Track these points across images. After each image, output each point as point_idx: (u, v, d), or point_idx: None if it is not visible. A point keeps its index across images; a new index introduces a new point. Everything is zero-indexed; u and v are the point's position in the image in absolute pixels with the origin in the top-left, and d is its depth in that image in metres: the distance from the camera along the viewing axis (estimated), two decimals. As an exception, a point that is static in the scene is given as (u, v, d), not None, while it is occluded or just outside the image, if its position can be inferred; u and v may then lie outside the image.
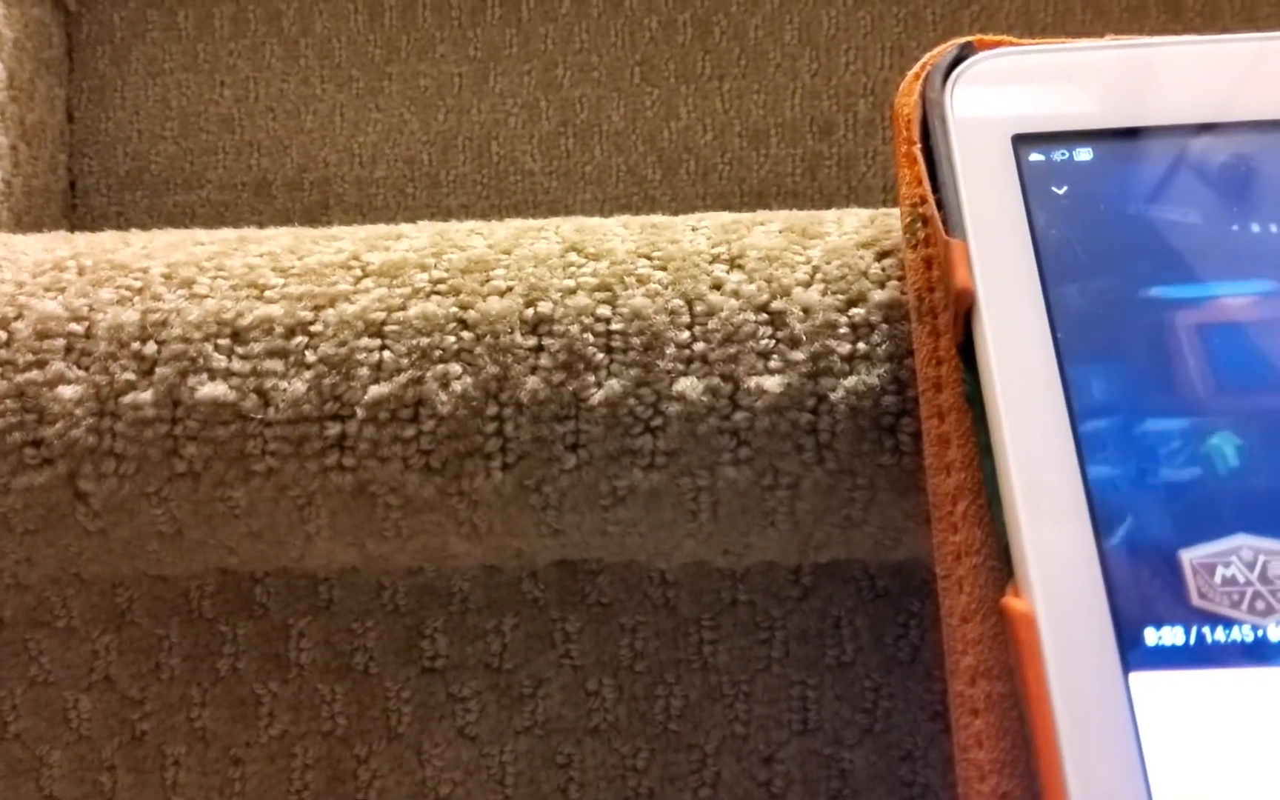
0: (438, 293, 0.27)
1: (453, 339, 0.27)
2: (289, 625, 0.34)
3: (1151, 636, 0.20)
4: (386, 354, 0.27)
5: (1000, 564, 0.22)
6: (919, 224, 0.25)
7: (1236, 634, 0.20)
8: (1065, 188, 0.24)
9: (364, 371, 0.27)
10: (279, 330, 0.27)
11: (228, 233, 0.31)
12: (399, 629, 0.34)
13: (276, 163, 0.58)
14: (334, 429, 0.27)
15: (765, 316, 0.27)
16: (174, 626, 0.34)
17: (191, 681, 0.34)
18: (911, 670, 0.34)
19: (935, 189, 0.24)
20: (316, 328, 0.27)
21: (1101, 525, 0.20)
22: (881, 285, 0.27)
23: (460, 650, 0.34)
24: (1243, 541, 0.20)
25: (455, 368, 0.27)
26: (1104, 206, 0.24)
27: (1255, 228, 0.23)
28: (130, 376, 0.27)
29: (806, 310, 0.27)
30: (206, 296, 0.28)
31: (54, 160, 0.57)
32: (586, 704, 0.35)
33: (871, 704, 0.34)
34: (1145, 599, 0.20)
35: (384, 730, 0.35)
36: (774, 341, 0.27)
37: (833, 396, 0.26)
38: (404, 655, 0.34)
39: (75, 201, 0.60)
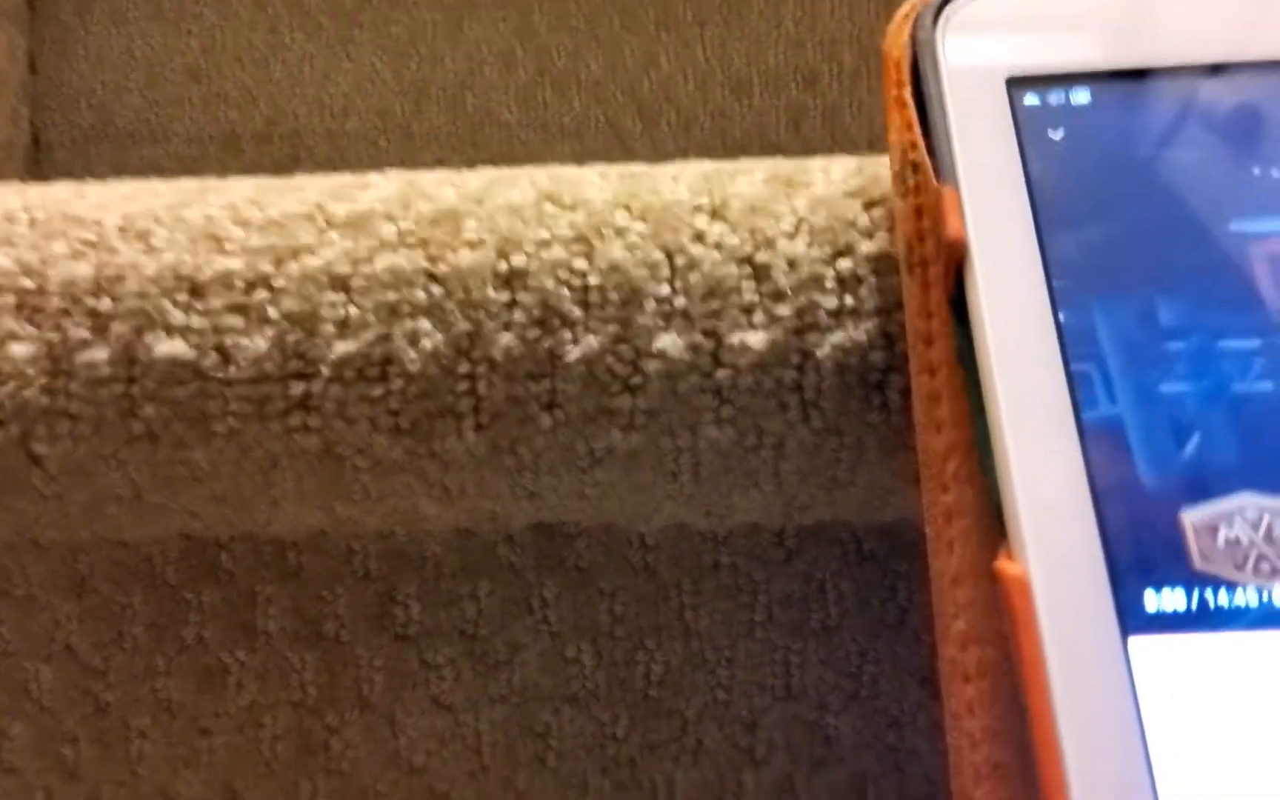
0: (406, 245, 0.26)
1: (422, 294, 0.26)
2: (256, 592, 0.33)
3: (1151, 600, 0.19)
4: (352, 310, 0.26)
5: (993, 525, 0.21)
6: (909, 171, 0.24)
7: (1240, 597, 0.19)
8: (1062, 132, 0.23)
9: (329, 328, 0.26)
10: (239, 285, 0.26)
11: (187, 183, 0.30)
12: (370, 595, 0.33)
13: (245, 115, 0.56)
14: (298, 388, 0.26)
15: (749, 269, 0.26)
16: (136, 594, 0.33)
17: (156, 650, 0.33)
18: (899, 634, 0.33)
19: (926, 135, 0.23)
20: (279, 282, 0.26)
21: (1099, 485, 0.20)
22: (870, 236, 0.26)
23: (434, 616, 0.33)
24: (1247, 500, 0.20)
25: (425, 324, 0.26)
26: (1103, 152, 0.23)
27: (1257, 171, 0.22)
28: (84, 334, 0.26)
29: (792, 263, 0.26)
30: (163, 250, 0.27)
31: (16, 113, 0.56)
32: (564, 671, 0.34)
33: (857, 668, 0.34)
34: (1144, 561, 0.19)
35: (356, 699, 0.34)
36: (758, 296, 0.26)
37: (819, 353, 0.25)
38: (376, 622, 0.33)
39: (39, 157, 0.58)
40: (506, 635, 0.34)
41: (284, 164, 0.54)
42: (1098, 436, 0.20)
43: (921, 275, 0.23)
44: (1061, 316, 0.21)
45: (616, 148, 0.53)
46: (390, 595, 0.33)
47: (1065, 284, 0.21)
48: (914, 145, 0.23)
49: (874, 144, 0.56)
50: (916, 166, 0.24)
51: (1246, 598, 0.19)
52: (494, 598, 0.33)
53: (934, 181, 0.22)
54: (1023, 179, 0.22)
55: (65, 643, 0.33)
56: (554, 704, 0.34)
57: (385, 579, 0.33)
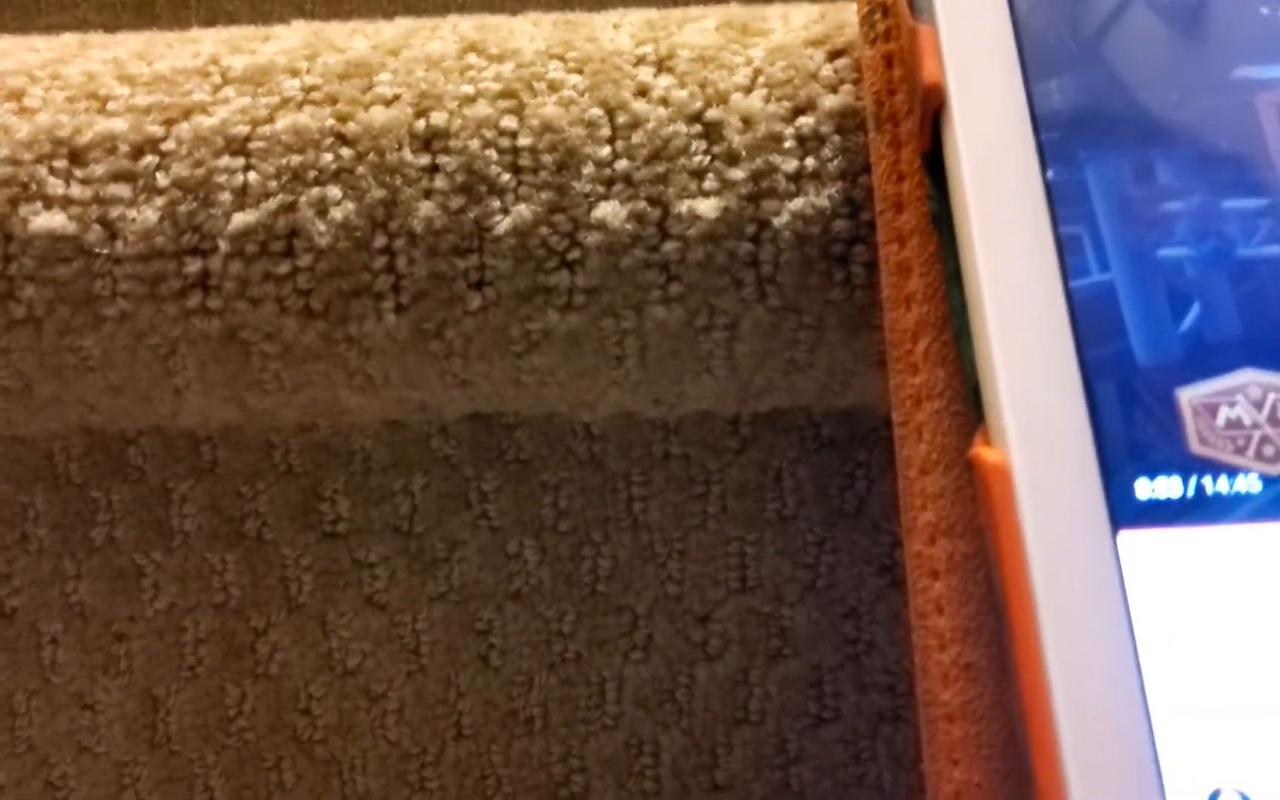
0: (311, 102, 0.23)
1: (330, 157, 0.23)
2: (169, 489, 0.30)
3: (1144, 488, 0.17)
4: (252, 175, 0.23)
5: (968, 408, 0.19)
6: (878, 15, 0.21)
7: (1241, 484, 0.17)
8: (1050, -33, 0.20)
9: (226, 197, 0.23)
10: (124, 149, 0.23)
11: (68, 37, 0.26)
12: (294, 492, 0.31)
13: (158, -26, 0.52)
14: (194, 265, 0.23)
15: (698, 128, 0.23)
16: (39, 493, 0.30)
17: (63, 553, 0.31)
18: (857, 523, 0.32)
19: (897, -29, 0.20)
20: (168, 145, 0.23)
21: (1088, 361, 0.17)
22: (834, 90, 0.23)
23: (364, 513, 0.31)
24: (1250, 377, 0.18)
25: (334, 191, 0.23)
26: (1095, -11, 0.20)
27: (1265, 11, 0.20)
28: (-49, 207, 0.23)
29: (746, 120, 0.23)
30: (38, 111, 0.24)
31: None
32: (506, 567, 0.32)
33: (814, 559, 0.32)
34: (1137, 445, 0.17)
35: (283, 600, 0.31)
36: (709, 158, 0.23)
37: (776, 222, 0.23)
38: (301, 520, 0.31)
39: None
40: (443, 531, 0.31)
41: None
42: (1088, 307, 0.18)
43: (892, 132, 0.21)
44: (1050, 173, 0.18)
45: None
46: (316, 491, 0.31)
47: (1054, 137, 0.19)
48: (883, -17, 0.21)
49: None
50: (887, 9, 0.21)
51: (1248, 484, 0.17)
52: (429, 492, 0.31)
53: (909, 19, 0.20)
54: (1008, 18, 0.20)
55: (-39, 547, 0.31)
56: (496, 601, 0.32)
57: (310, 474, 0.31)
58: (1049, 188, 0.18)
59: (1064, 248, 0.18)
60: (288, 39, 0.25)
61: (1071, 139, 0.19)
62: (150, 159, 0.23)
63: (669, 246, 0.23)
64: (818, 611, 0.32)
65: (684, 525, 0.32)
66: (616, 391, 0.26)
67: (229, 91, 0.24)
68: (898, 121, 0.21)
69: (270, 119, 0.23)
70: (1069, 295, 0.18)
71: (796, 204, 0.23)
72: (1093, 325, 0.18)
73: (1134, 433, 0.17)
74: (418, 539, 0.31)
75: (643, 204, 0.23)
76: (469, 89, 0.23)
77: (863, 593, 0.32)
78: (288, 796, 0.33)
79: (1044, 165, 0.18)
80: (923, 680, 0.19)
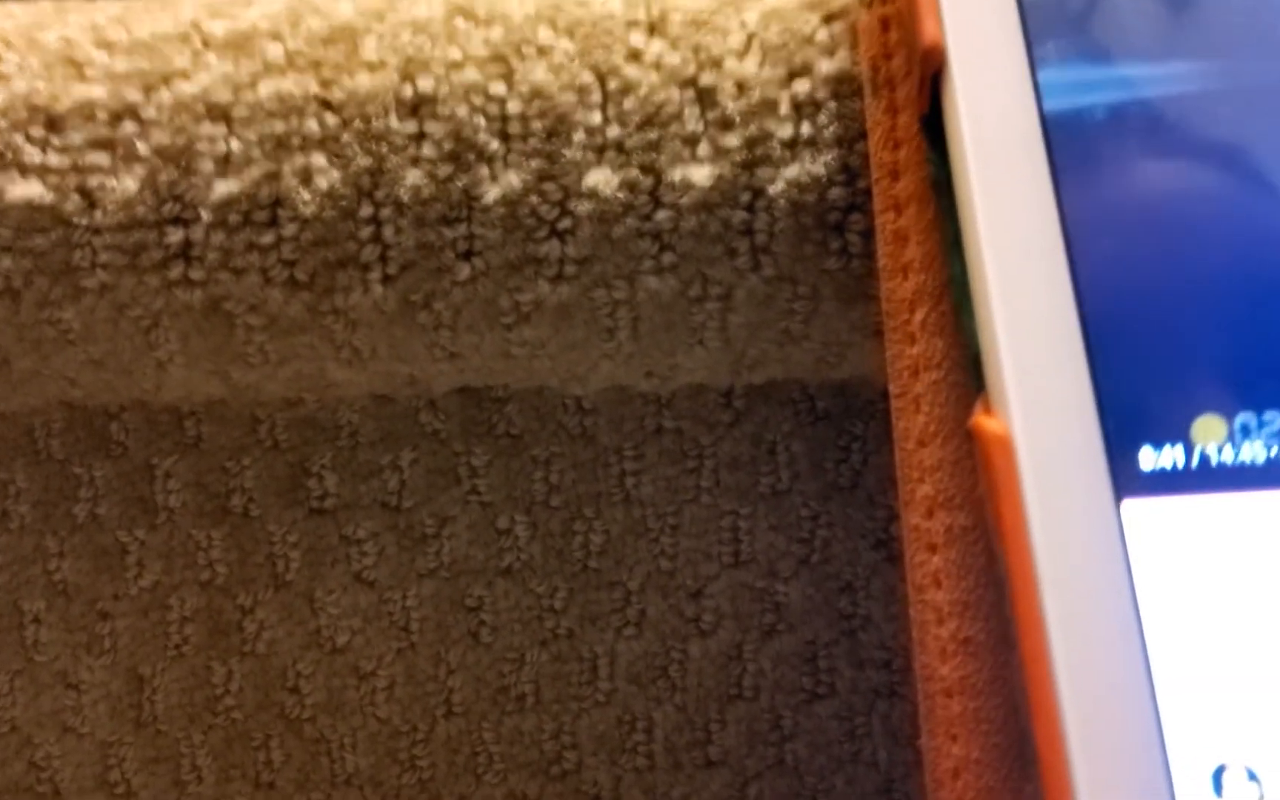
0: (295, 68, 0.23)
1: (314, 124, 0.22)
2: (153, 465, 0.30)
3: (1148, 457, 0.17)
4: (234, 143, 0.22)
5: (967, 379, 0.19)
6: (874, -24, 0.21)
7: (1247, 453, 0.17)
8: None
9: (208, 165, 0.22)
10: (103, 116, 0.23)
11: (45, 3, 0.26)
12: (280, 467, 0.30)
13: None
14: (176, 235, 0.23)
15: (692, 94, 0.23)
16: (19, 469, 0.30)
17: (45, 530, 0.30)
18: (852, 497, 0.31)
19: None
20: (148, 113, 0.23)
21: (1092, 329, 0.17)
22: (830, 54, 0.23)
23: (352, 489, 0.31)
24: (1256, 346, 0.17)
25: (319, 159, 0.22)
26: (1098, -53, 0.19)
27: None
28: (-75, 176, 0.23)
29: (741, 86, 0.23)
30: (14, 77, 0.23)
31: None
32: (497, 543, 0.31)
33: (809, 533, 0.32)
34: (1141, 413, 0.17)
35: (270, 577, 0.31)
36: (702, 124, 0.23)
37: (771, 190, 0.23)
38: (288, 496, 0.30)
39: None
40: (433, 507, 0.31)
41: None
42: (1092, 274, 0.17)
43: (888, 97, 0.20)
44: (1052, 135, 0.18)
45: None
46: (303, 467, 0.30)
47: (1057, 98, 0.18)
48: (880, -57, 0.20)
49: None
50: (883, -31, 0.21)
51: (1254, 453, 0.17)
52: (417, 467, 0.31)
53: (906, -21, 0.19)
54: (1008, -24, 0.19)
55: (-58, 525, 0.30)
56: (486, 577, 0.32)
57: (296, 450, 0.30)
58: (1051, 150, 0.18)
59: (1067, 213, 0.17)
60: (270, 4, 0.24)
61: (1075, 100, 0.18)
62: (130, 126, 0.23)
63: (662, 215, 0.23)
64: (812, 586, 0.32)
65: (677, 500, 0.31)
66: (608, 364, 0.26)
67: (210, 57, 0.23)
68: (894, 86, 0.20)
69: (253, 85, 0.23)
70: (1072, 261, 0.17)
71: (792, 171, 0.23)
72: (1096, 292, 0.17)
73: (1138, 401, 0.17)
74: (406, 515, 0.31)
75: (635, 172, 0.23)
76: (457, 54, 0.23)
77: (858, 567, 0.32)
78: (276, 776, 0.32)
79: (1046, 127, 0.18)
80: (920, 655, 0.19)
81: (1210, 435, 0.17)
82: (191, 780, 0.32)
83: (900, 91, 0.20)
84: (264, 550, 0.31)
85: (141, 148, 0.23)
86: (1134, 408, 0.17)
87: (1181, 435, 0.17)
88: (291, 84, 0.23)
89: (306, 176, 0.22)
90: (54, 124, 0.23)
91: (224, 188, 0.22)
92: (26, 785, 0.31)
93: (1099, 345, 0.17)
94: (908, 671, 0.32)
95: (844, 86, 0.23)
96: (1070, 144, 0.18)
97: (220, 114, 0.23)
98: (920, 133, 0.19)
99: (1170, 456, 0.17)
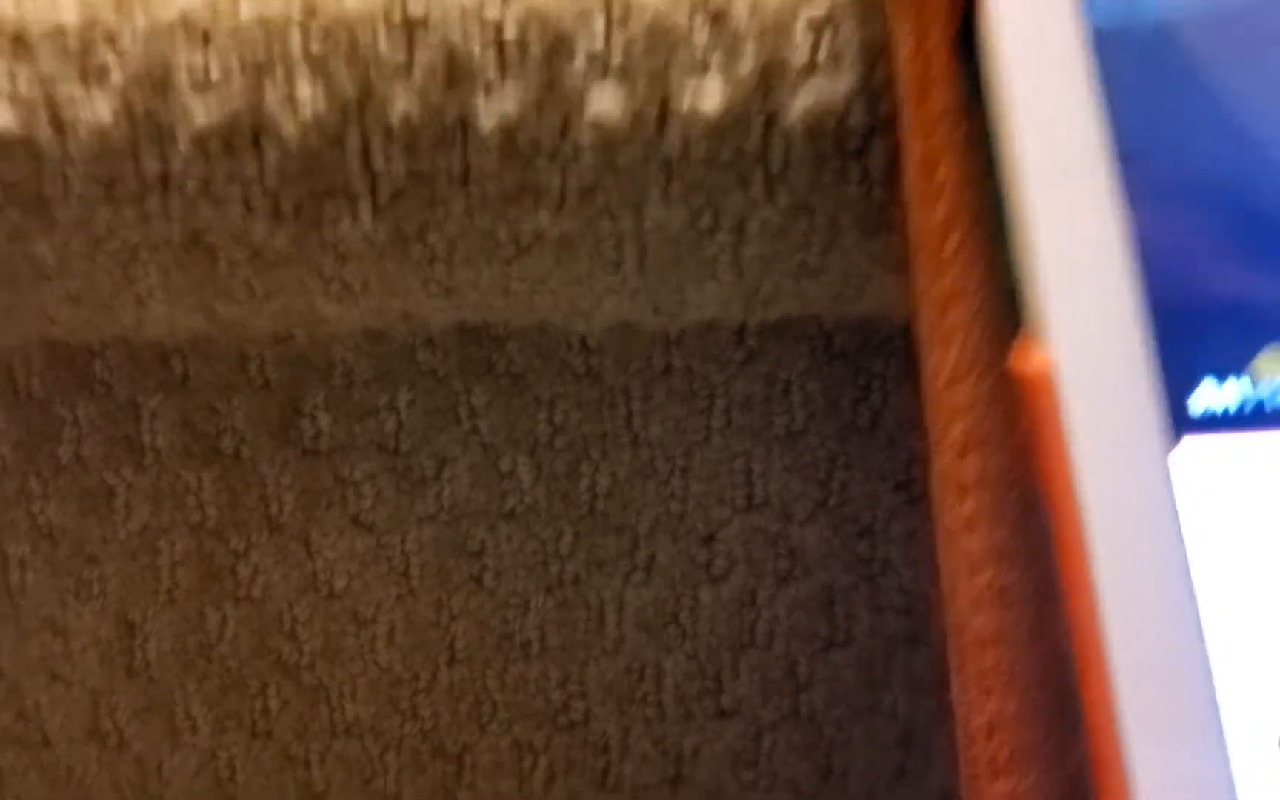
0: (276, -17, 0.21)
1: (298, 46, 0.21)
2: (138, 404, 0.29)
3: (1207, 393, 0.16)
4: (214, 68, 0.21)
5: (1004, 311, 0.18)
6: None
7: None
8: None
9: (186, 90, 0.21)
10: (74, 42, 0.22)
11: (12, -84, 0.24)
12: (272, 406, 0.29)
13: None
14: (153, 165, 0.22)
15: (702, 15, 0.22)
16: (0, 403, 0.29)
17: (29, 471, 0.29)
18: (871, 437, 0.30)
19: None
20: (123, 36, 0.21)
21: (1143, 256, 0.16)
22: (850, -34, 0.21)
23: (347, 429, 0.29)
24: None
25: (303, 84, 0.21)
26: None
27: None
28: (-113, 103, 0.21)
29: (753, 5, 0.22)
30: (-22, -5, 0.22)
31: None
32: (499, 485, 0.30)
33: (826, 475, 0.31)
34: (1200, 346, 0.16)
35: (263, 520, 0.30)
36: (713, 46, 0.21)
37: (786, 115, 0.21)
38: (280, 436, 0.29)
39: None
40: (432, 449, 0.30)
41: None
42: (1143, 194, 0.16)
43: (916, 13, 0.19)
44: (1097, 48, 0.17)
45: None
46: (295, 406, 0.29)
47: (1100, 7, 0.17)
48: None
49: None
50: None
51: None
52: (415, 408, 0.29)
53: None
54: None
55: (-77, 467, 0.29)
56: (489, 521, 0.31)
57: (288, 389, 0.29)
58: (1098, 67, 0.16)
59: (1114, 129, 0.16)
60: (250, -87, 0.22)
61: (1122, 13, 0.17)
62: (104, 51, 0.21)
63: (669, 142, 0.22)
64: (829, 530, 0.31)
65: (687, 441, 0.30)
66: (614, 299, 0.24)
67: (185, -28, 0.22)
68: (922, 0, 0.19)
69: (233, 6, 0.21)
70: (1121, 184, 0.16)
71: (809, 95, 0.21)
72: (1148, 216, 0.16)
73: (1196, 332, 0.16)
74: (404, 457, 0.30)
75: (641, 96, 0.22)
76: (449, -33, 0.21)
77: (877, 510, 0.31)
78: (273, 724, 0.32)
79: (1091, 42, 0.17)
80: (952, 605, 0.18)
81: (1276, 369, 0.16)
82: (186, 729, 0.31)
83: (929, 5, 0.19)
84: (256, 493, 0.30)
85: (116, 74, 0.21)
86: (1192, 340, 0.16)
87: (1244, 368, 0.16)
88: (274, 4, 0.21)
89: (290, 102, 0.21)
90: (23, 49, 0.22)
91: (203, 114, 0.21)
92: (16, 734, 0.31)
93: (1152, 273, 0.16)
94: (929, 618, 0.31)
95: (865, 4, 0.21)
96: (1118, 60, 0.17)
97: (198, 36, 0.21)
98: (951, 50, 0.18)
99: (1232, 391, 0.16)
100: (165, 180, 0.22)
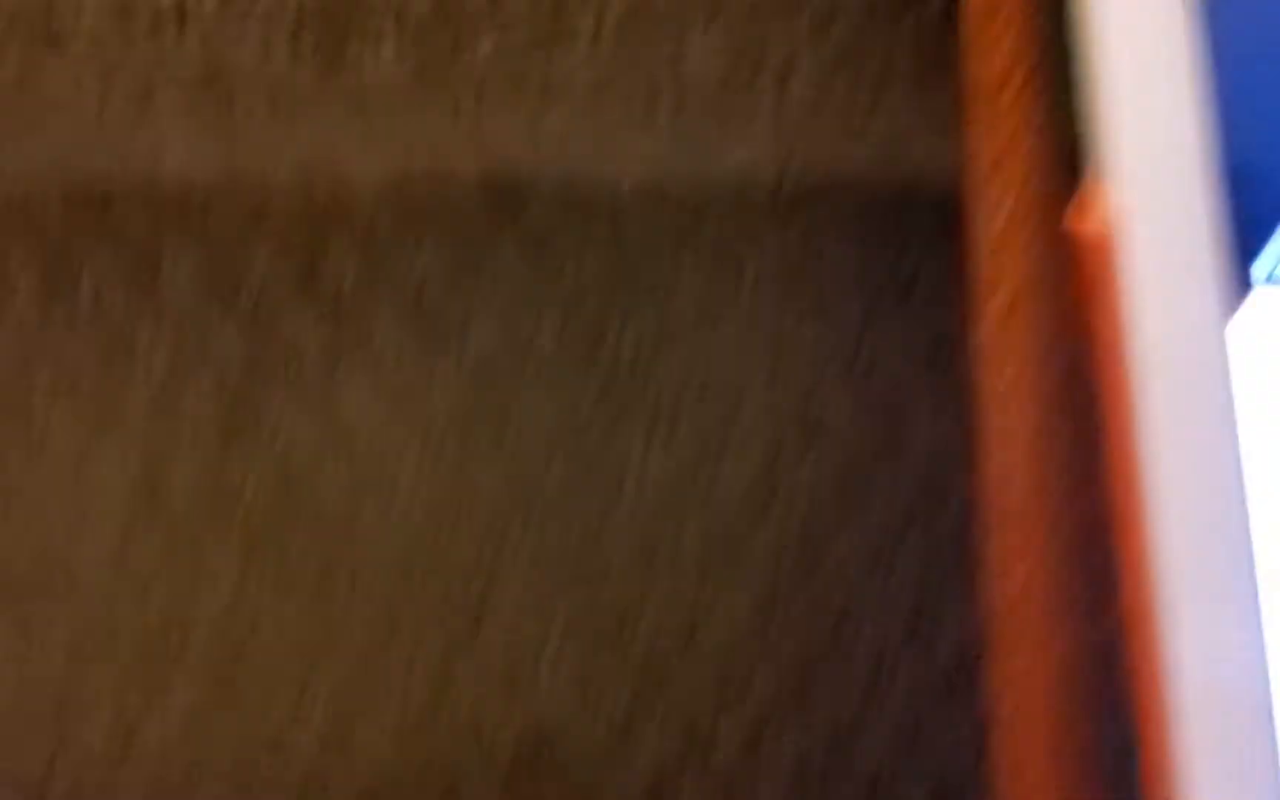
0: None
1: None
2: (157, 252, 0.28)
3: (1270, 260, 0.15)
4: (231, -112, 0.20)
5: (1061, 171, 0.17)
6: None
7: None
8: None
9: (201, -87, 0.20)
10: None
11: None
12: (293, 258, 0.28)
13: None
14: (167, -6, 0.20)
15: None
16: (17, 258, 0.28)
17: (48, 321, 0.29)
18: (904, 309, 0.29)
19: None
20: None
21: (1218, 112, 0.15)
22: None
23: (370, 285, 0.29)
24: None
25: (325, -91, 0.20)
26: None
27: None
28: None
29: None
30: None
31: None
32: (522, 346, 0.30)
33: (854, 347, 0.30)
34: (1269, 202, 0.15)
35: (284, 375, 0.30)
36: None
37: None
38: (301, 290, 0.29)
39: None
40: (455, 306, 0.29)
41: None
42: (1221, 51, 0.15)
43: None
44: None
45: None
46: (316, 260, 0.28)
47: None
48: None
49: None
50: None
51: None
52: (439, 264, 0.29)
53: None
54: None
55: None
56: (511, 380, 0.30)
57: (309, 241, 0.28)
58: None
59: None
60: None
61: None
62: None
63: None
64: (853, 402, 0.30)
65: (714, 308, 0.29)
66: (646, 153, 0.23)
67: None
68: None
69: None
70: (1202, 33, 0.15)
71: (861, -68, 0.20)
72: (1225, 72, 0.15)
73: (1266, 188, 0.15)
74: (427, 315, 0.29)
75: (682, -71, 0.20)
76: None
77: (903, 383, 0.30)
78: (295, 577, 0.31)
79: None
80: (988, 469, 0.18)
81: None
82: (207, 579, 0.31)
83: None
84: (278, 346, 0.29)
85: (127, -109, 0.20)
86: (1266, 194, 0.15)
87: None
88: None
89: (311, -72, 0.20)
90: None
91: (219, -60, 0.20)
92: (43, 581, 0.31)
93: (1228, 122, 0.15)
94: (948, 493, 0.31)
95: None
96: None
97: None
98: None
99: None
100: (182, 14, 0.21)
